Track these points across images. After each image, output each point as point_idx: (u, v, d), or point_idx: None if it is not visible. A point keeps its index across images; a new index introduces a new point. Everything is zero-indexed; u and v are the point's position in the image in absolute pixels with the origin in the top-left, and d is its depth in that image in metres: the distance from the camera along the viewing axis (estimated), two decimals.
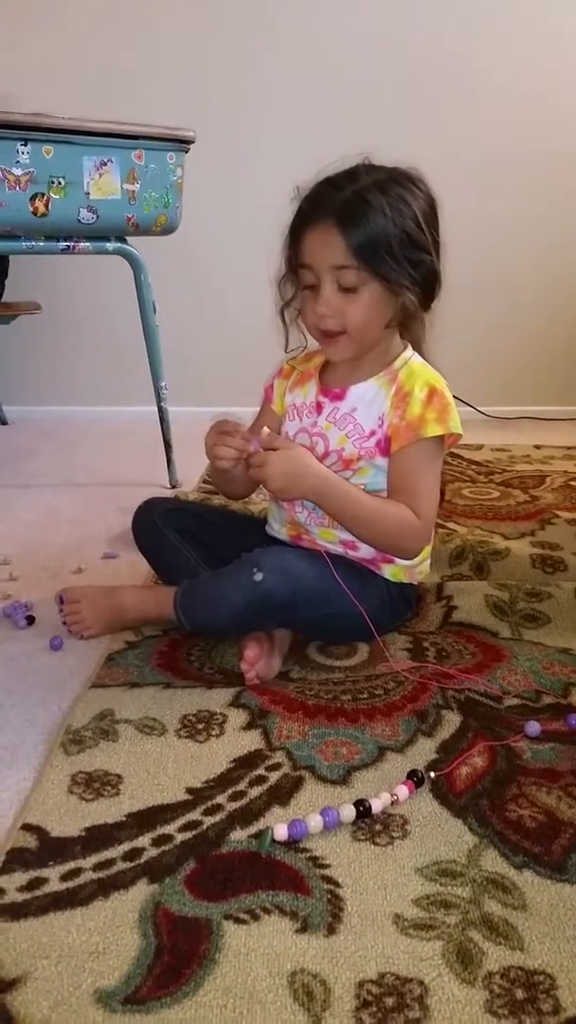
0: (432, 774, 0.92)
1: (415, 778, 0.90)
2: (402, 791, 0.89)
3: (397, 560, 1.19)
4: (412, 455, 1.12)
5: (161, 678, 1.13)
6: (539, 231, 2.54)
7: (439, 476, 1.16)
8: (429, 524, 1.15)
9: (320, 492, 1.10)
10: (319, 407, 1.18)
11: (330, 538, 1.19)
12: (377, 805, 0.86)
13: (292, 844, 0.82)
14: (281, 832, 0.82)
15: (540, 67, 2.41)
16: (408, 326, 1.15)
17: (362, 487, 1.15)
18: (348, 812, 0.85)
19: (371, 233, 1.03)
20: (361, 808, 0.85)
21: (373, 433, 1.14)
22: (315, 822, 0.83)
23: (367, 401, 1.14)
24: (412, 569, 1.22)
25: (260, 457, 1.08)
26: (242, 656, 1.11)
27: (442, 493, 1.22)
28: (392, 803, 0.87)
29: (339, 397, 1.17)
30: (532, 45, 2.40)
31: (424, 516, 1.12)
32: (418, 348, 1.17)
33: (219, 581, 1.13)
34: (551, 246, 2.56)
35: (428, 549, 1.23)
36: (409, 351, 1.16)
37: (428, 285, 1.09)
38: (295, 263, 1.10)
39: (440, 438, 1.12)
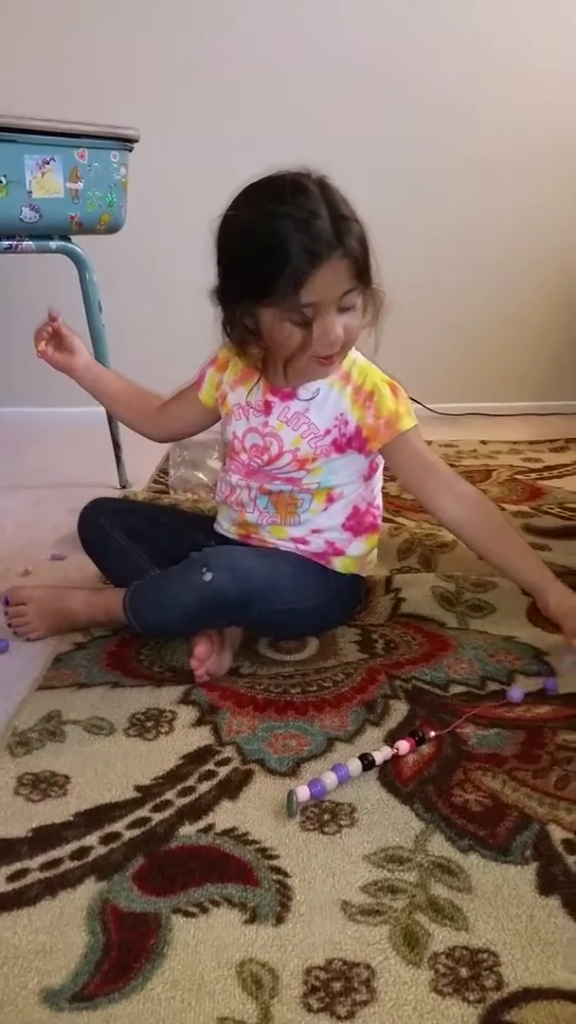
0: (432, 733, 0.96)
1: (416, 736, 0.95)
2: (403, 745, 0.94)
3: (347, 552, 1.20)
4: (403, 446, 1.15)
5: (110, 678, 1.12)
6: (487, 232, 2.58)
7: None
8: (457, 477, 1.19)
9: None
10: (268, 406, 1.18)
11: (281, 535, 1.20)
12: (379, 758, 0.92)
13: (314, 802, 0.87)
14: (304, 793, 0.86)
15: (494, 62, 2.45)
16: None
17: (316, 485, 1.16)
18: (356, 766, 0.90)
19: (362, 246, 1.03)
20: (365, 761, 0.91)
21: (328, 432, 1.14)
22: (331, 779, 0.88)
23: (320, 401, 1.15)
24: (362, 560, 1.23)
25: None
26: (192, 654, 1.11)
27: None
28: (394, 756, 0.93)
29: (290, 396, 1.16)
30: (471, 37, 2.44)
31: (462, 484, 1.18)
32: None
33: (168, 582, 1.12)
34: (499, 246, 2.59)
35: (375, 539, 1.24)
36: (354, 350, 1.17)
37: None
38: (292, 305, 1.01)
39: (415, 427, 1.15)
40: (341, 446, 1.15)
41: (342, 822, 0.84)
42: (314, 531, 1.19)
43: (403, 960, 0.68)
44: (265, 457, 1.17)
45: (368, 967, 0.67)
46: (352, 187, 1.06)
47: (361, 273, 1.04)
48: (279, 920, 0.72)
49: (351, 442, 1.15)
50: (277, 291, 1.00)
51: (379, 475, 1.23)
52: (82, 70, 2.40)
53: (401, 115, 2.48)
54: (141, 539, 1.26)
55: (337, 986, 0.66)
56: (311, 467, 1.15)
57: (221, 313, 1.10)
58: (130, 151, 1.86)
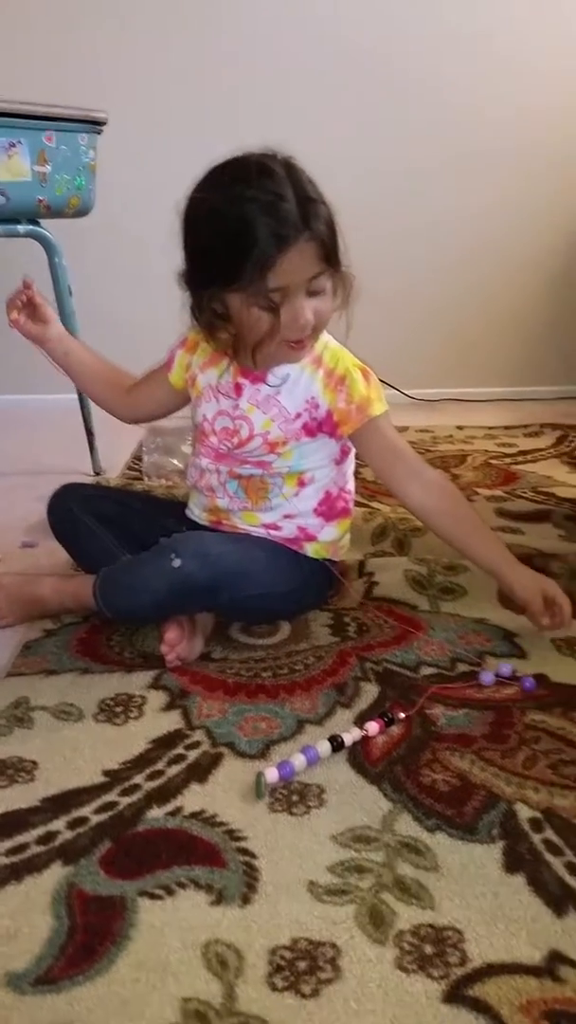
0: (401, 715, 0.97)
1: (386, 717, 0.95)
2: (372, 727, 0.94)
3: (319, 537, 1.20)
4: (374, 432, 1.14)
5: (80, 664, 1.11)
6: (462, 220, 2.57)
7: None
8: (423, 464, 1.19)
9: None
10: (238, 389, 1.17)
11: (253, 521, 1.19)
12: (349, 739, 0.92)
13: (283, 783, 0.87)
14: (272, 775, 0.85)
15: (457, 52, 2.44)
16: None
17: (287, 469, 1.15)
18: (325, 747, 0.90)
19: (330, 229, 1.02)
20: (335, 743, 0.91)
21: (299, 416, 1.14)
22: (299, 760, 0.88)
23: (291, 383, 1.14)
24: (334, 546, 1.23)
25: None
26: (162, 639, 1.10)
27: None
28: (363, 737, 0.93)
29: (260, 379, 1.15)
30: (466, 36, 2.43)
31: (430, 470, 1.17)
32: None
33: (138, 568, 1.12)
34: (473, 234, 2.59)
35: (348, 524, 1.24)
36: (326, 334, 1.16)
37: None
38: (259, 290, 1.00)
39: (385, 412, 1.14)
40: (312, 430, 1.14)
41: (310, 803, 0.84)
42: (286, 516, 1.18)
43: (368, 939, 0.68)
44: (235, 440, 1.16)
45: (333, 946, 0.68)
46: (328, 177, 1.05)
47: (329, 256, 1.03)
48: (245, 901, 0.72)
49: (322, 426, 1.14)
50: (244, 276, 0.99)
51: (351, 459, 1.23)
52: (79, 65, 2.37)
53: (376, 107, 2.46)
54: (112, 524, 1.25)
55: (302, 965, 0.66)
56: (281, 451, 1.15)
57: (189, 298, 1.09)
58: (99, 134, 1.83)
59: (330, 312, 1.08)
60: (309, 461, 1.17)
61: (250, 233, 0.97)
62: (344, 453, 1.20)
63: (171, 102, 2.43)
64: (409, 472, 1.16)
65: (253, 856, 0.77)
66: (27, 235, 1.80)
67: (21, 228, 1.78)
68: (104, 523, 1.25)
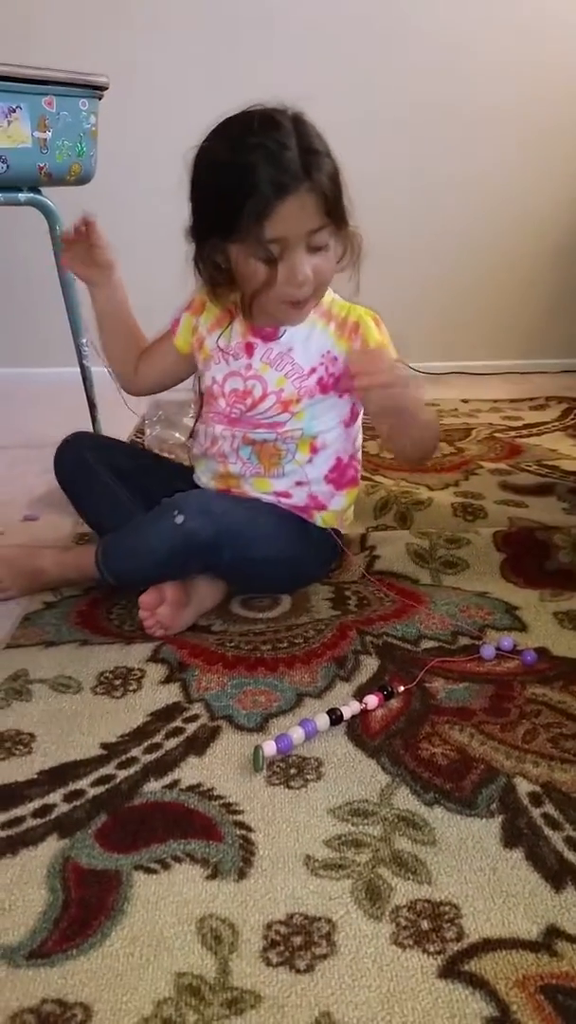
0: (401, 688, 0.96)
1: (385, 690, 0.94)
2: (371, 700, 0.93)
3: (329, 506, 1.18)
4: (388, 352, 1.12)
5: (79, 636, 1.11)
6: (472, 190, 2.53)
7: None
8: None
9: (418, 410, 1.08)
10: (249, 348, 1.14)
11: (265, 488, 1.18)
12: (347, 712, 0.91)
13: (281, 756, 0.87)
14: (270, 748, 0.85)
15: (464, 12, 2.38)
16: None
17: (300, 432, 1.14)
18: (323, 721, 0.89)
19: (333, 182, 1.00)
20: (333, 716, 0.90)
21: (313, 371, 1.12)
22: (298, 734, 0.87)
23: (303, 338, 1.12)
24: (342, 515, 1.22)
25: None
26: (140, 602, 1.08)
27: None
28: (362, 710, 0.92)
29: (272, 337, 1.13)
30: None
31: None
32: None
33: (140, 528, 1.10)
34: (481, 203, 2.55)
35: (355, 494, 1.22)
36: (331, 291, 1.13)
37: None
38: (258, 240, 0.98)
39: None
40: (327, 386, 1.13)
41: (308, 776, 0.84)
42: (298, 483, 1.17)
43: (364, 914, 0.68)
44: (248, 401, 1.14)
45: (329, 921, 0.67)
46: (333, 138, 1.03)
47: (331, 210, 1.00)
48: (241, 875, 0.72)
49: (339, 381, 1.12)
50: (242, 225, 0.97)
51: (359, 425, 1.21)
52: (79, 28, 2.32)
53: (386, 64, 2.41)
54: (126, 479, 1.23)
55: (297, 940, 0.65)
56: (294, 409, 1.13)
57: (193, 250, 1.07)
58: (100, 99, 1.80)
59: (331, 272, 1.06)
60: (320, 423, 1.15)
61: (249, 180, 0.96)
62: (354, 415, 1.18)
63: (172, 65, 2.38)
64: None
65: (250, 830, 0.77)
66: (28, 203, 1.77)
67: (22, 196, 1.75)
68: (119, 476, 1.23)
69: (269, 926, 0.67)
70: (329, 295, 1.13)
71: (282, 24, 2.36)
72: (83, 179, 1.82)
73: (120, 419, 2.08)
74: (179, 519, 1.06)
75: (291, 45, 2.37)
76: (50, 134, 1.71)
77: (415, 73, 2.42)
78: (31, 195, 1.77)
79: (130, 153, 2.33)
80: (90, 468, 1.23)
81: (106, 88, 1.79)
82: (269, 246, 0.99)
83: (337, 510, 1.20)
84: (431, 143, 2.48)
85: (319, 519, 1.19)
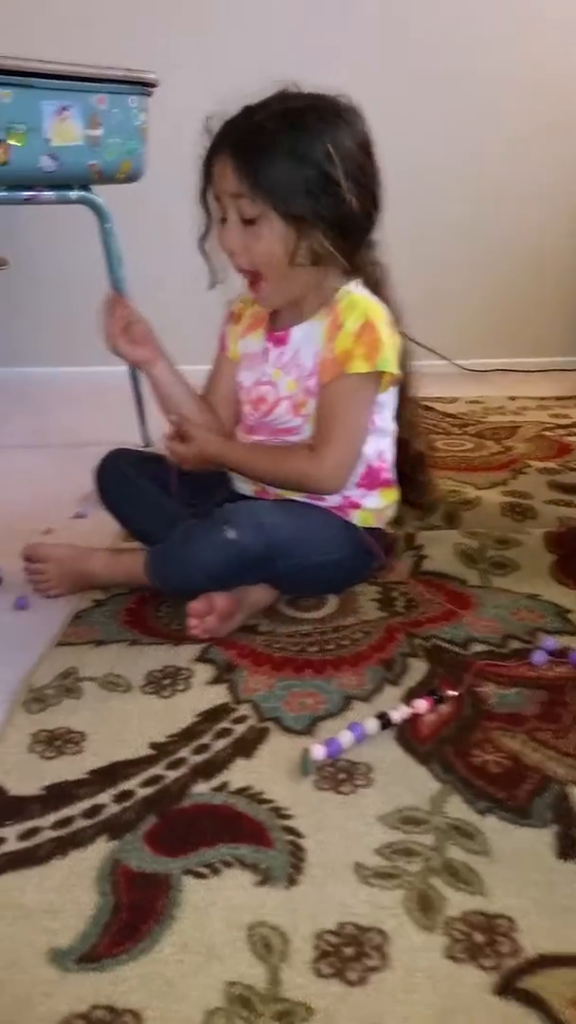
0: (451, 693, 0.94)
1: (435, 695, 0.93)
2: (421, 704, 0.92)
3: (363, 504, 1.17)
4: (333, 391, 1.08)
5: (128, 635, 1.11)
6: (517, 184, 2.48)
7: (363, 417, 1.11)
8: (336, 462, 1.10)
9: (221, 462, 1.16)
10: (266, 354, 1.15)
11: (294, 494, 1.17)
12: (397, 717, 0.89)
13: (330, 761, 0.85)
14: (319, 752, 0.84)
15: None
16: (341, 264, 1.09)
17: None
18: (372, 725, 0.88)
19: (266, 160, 1.00)
20: (383, 720, 0.88)
21: (312, 372, 1.11)
22: (347, 738, 0.86)
23: (305, 338, 1.11)
24: (380, 513, 1.20)
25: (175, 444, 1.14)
26: (188, 611, 1.08)
27: (420, 454, 1.21)
28: (411, 715, 0.90)
29: (282, 341, 1.14)
30: None
31: (329, 454, 1.09)
32: (376, 290, 1.13)
33: (189, 542, 1.10)
34: (526, 198, 2.50)
35: (393, 494, 1.20)
36: (353, 285, 1.11)
37: (343, 223, 1.03)
38: (205, 188, 1.07)
39: (367, 376, 1.07)
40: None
41: (358, 782, 0.83)
42: None
43: (417, 925, 0.67)
44: (263, 408, 1.14)
45: (380, 932, 0.66)
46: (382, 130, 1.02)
47: (259, 185, 1.00)
48: (291, 882, 0.71)
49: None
50: (202, 173, 1.07)
51: (385, 430, 1.17)
52: (89, 10, 2.33)
53: (406, 51, 2.38)
54: (166, 489, 1.23)
55: (348, 951, 0.64)
56: (304, 412, 1.12)
57: None
58: (150, 96, 1.80)
59: (264, 252, 1.05)
60: None
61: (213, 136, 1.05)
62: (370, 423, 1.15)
63: (216, 64, 2.37)
64: (316, 441, 1.10)
65: (299, 836, 0.76)
66: (79, 201, 1.78)
67: (73, 194, 1.76)
68: (163, 488, 1.23)
69: (320, 935, 0.66)
70: (347, 287, 1.10)
71: (331, 11, 2.34)
72: (133, 176, 1.83)
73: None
74: (231, 534, 1.05)
75: (336, 28, 2.35)
76: (101, 132, 1.72)
77: (445, 57, 2.38)
78: (82, 193, 1.78)
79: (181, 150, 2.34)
80: (131, 482, 1.24)
81: (156, 85, 1.79)
82: (208, 197, 1.06)
83: (373, 508, 1.18)
84: (480, 134, 2.44)
85: (356, 517, 1.17)
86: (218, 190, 1.05)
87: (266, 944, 0.65)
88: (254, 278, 1.09)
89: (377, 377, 1.09)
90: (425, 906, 0.68)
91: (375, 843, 0.75)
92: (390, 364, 1.07)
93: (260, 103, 1.03)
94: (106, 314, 1.16)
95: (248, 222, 1.03)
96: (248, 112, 1.03)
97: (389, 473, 1.20)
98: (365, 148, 1.04)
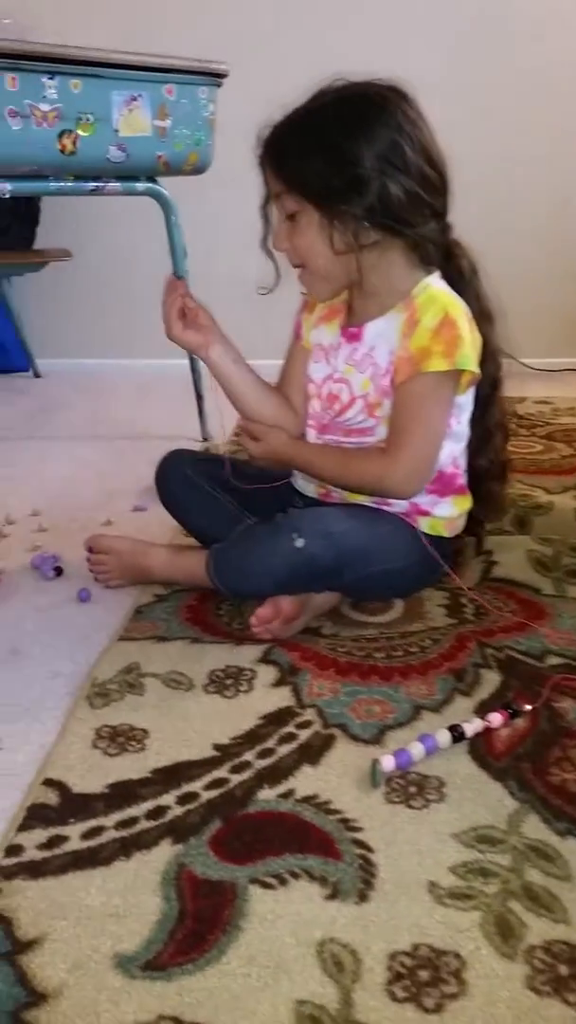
0: (527, 707, 0.90)
1: (510, 708, 0.89)
2: (495, 718, 0.88)
3: (433, 512, 1.13)
4: (409, 390, 1.04)
5: (190, 632, 1.09)
6: None
7: (440, 418, 1.07)
8: (414, 466, 1.06)
9: (290, 462, 1.15)
10: (339, 348, 1.13)
11: (360, 498, 1.13)
12: (470, 730, 0.86)
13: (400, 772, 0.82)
14: (389, 763, 0.81)
15: None
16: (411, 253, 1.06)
17: None
18: (444, 737, 0.85)
19: (295, 156, 1.01)
20: (455, 733, 0.85)
21: (388, 371, 1.07)
22: (417, 750, 0.83)
23: (381, 334, 1.08)
24: (452, 522, 1.16)
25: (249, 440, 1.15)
26: (255, 613, 1.06)
27: (503, 463, 1.18)
28: (485, 728, 0.87)
29: (356, 337, 1.10)
30: None
31: (405, 458, 1.05)
32: (462, 285, 1.09)
33: (255, 547, 1.08)
34: None
35: (467, 502, 1.16)
36: (432, 277, 1.07)
37: (385, 210, 1.00)
38: (268, 201, 1.08)
39: (446, 375, 1.03)
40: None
41: (429, 796, 0.79)
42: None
43: (496, 951, 0.63)
44: (336, 407, 1.11)
45: (457, 956, 0.63)
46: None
47: (290, 181, 1.02)
48: (362, 898, 0.68)
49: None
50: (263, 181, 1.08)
51: (461, 433, 1.13)
52: (188, 14, 2.33)
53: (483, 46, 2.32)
54: (230, 490, 1.22)
55: (424, 975, 0.61)
56: (379, 414, 1.08)
57: None
58: (219, 87, 1.78)
59: (303, 245, 1.05)
60: None
61: None
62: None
63: (285, 53, 2.35)
64: (391, 445, 1.07)
65: (369, 849, 0.73)
66: (145, 193, 1.77)
67: (140, 186, 1.75)
68: (222, 488, 1.22)
69: (393, 956, 0.63)
70: (426, 280, 1.06)
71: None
72: (200, 168, 1.81)
73: (226, 411, 2.07)
74: (299, 543, 1.03)
75: (402, 14, 2.30)
76: (169, 122, 1.71)
77: (521, 54, 2.32)
78: (149, 184, 1.77)
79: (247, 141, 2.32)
80: (191, 482, 1.22)
81: (225, 75, 1.77)
82: (269, 195, 1.07)
83: (444, 516, 1.14)
84: (564, 138, 2.38)
85: (424, 525, 1.13)
86: (270, 193, 1.07)
87: (337, 962, 0.63)
88: (302, 271, 1.09)
89: (456, 376, 1.05)
90: (504, 931, 0.65)
91: (449, 861, 0.72)
92: (470, 362, 1.03)
93: (306, 102, 1.03)
94: (165, 298, 1.16)
95: (290, 217, 1.05)
96: (285, 113, 1.04)
97: (463, 480, 1.15)
98: (408, 134, 1.00)
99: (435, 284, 1.06)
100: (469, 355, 1.03)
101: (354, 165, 0.99)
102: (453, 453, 1.13)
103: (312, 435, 1.16)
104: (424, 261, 1.07)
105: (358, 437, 1.11)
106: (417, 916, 0.66)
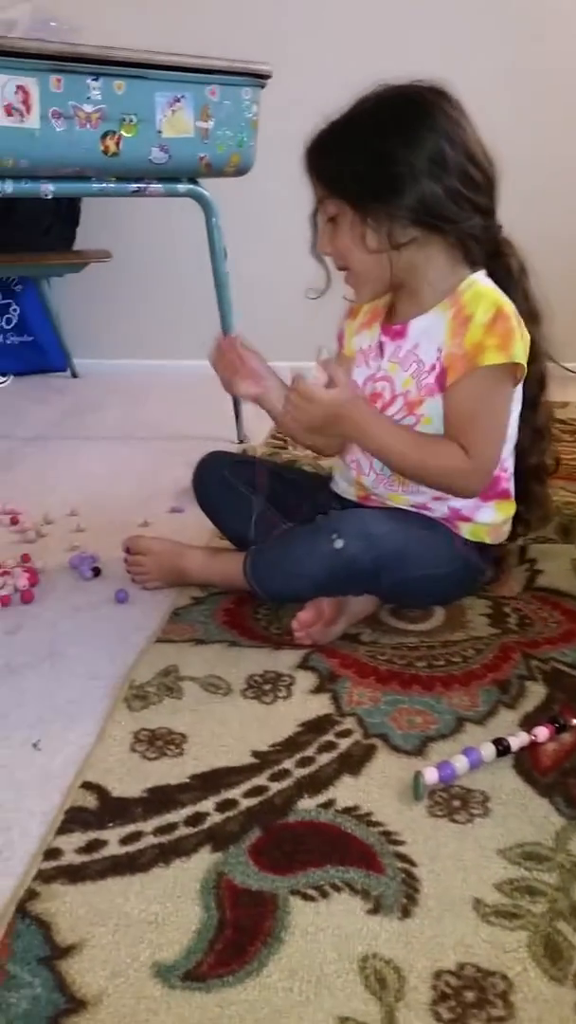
0: (574, 721, 0.88)
1: (557, 722, 0.87)
2: (541, 732, 0.86)
3: (475, 518, 1.11)
4: (468, 387, 1.02)
5: (227, 636, 1.08)
6: None
7: (503, 412, 1.06)
8: (486, 465, 1.06)
9: (354, 431, 1.07)
10: (381, 349, 1.11)
11: (400, 501, 1.12)
12: (515, 743, 0.84)
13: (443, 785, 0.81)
14: (432, 776, 0.80)
15: None
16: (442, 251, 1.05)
17: None
18: (488, 751, 0.83)
19: (333, 159, 1.03)
20: (500, 746, 0.83)
21: (433, 368, 1.05)
22: (461, 763, 0.81)
23: (425, 331, 1.06)
24: (495, 529, 1.14)
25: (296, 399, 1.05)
26: (296, 617, 1.04)
27: (544, 465, 1.16)
28: (531, 742, 0.85)
29: (400, 334, 1.09)
30: None
31: (479, 455, 1.04)
32: (509, 284, 1.06)
33: (293, 549, 1.07)
34: None
35: (511, 508, 1.14)
36: (478, 275, 1.05)
37: (425, 209, 0.99)
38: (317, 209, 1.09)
39: (502, 368, 1.02)
40: (443, 383, 1.05)
41: (474, 811, 0.78)
42: (436, 498, 1.10)
43: (544, 974, 0.61)
44: (378, 404, 1.09)
45: (504, 977, 0.61)
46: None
47: (331, 185, 1.03)
48: (405, 913, 0.67)
49: (441, 376, 1.05)
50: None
51: (508, 434, 1.10)
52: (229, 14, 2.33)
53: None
54: (264, 494, 1.21)
55: (470, 996, 0.60)
56: (420, 412, 1.06)
57: None
58: (262, 87, 1.77)
59: (342, 246, 1.05)
60: None
61: None
62: None
63: (325, 54, 2.33)
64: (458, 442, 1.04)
65: (412, 864, 0.72)
66: (187, 194, 1.77)
67: (182, 187, 1.75)
68: (254, 491, 1.21)
69: (438, 975, 0.61)
70: (472, 277, 1.05)
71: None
72: (242, 170, 1.81)
73: (264, 413, 2.07)
74: (338, 543, 1.02)
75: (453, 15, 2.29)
76: (212, 124, 1.71)
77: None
78: (190, 186, 1.77)
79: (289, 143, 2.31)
80: (228, 485, 1.22)
81: (269, 77, 1.76)
82: (317, 201, 1.07)
83: (486, 523, 1.12)
84: None
85: (465, 531, 1.11)
86: (316, 199, 1.07)
87: (380, 979, 0.61)
88: (347, 274, 1.09)
89: (512, 370, 1.03)
90: (553, 954, 0.63)
91: (494, 878, 0.70)
92: (521, 355, 1.02)
93: (343, 110, 1.04)
94: (216, 358, 1.16)
95: (331, 220, 1.05)
96: (326, 121, 1.05)
97: (508, 483, 1.13)
98: (447, 132, 1.00)
99: (481, 281, 1.05)
100: (521, 349, 1.02)
101: (389, 164, 0.99)
102: (501, 455, 1.11)
103: None
104: (467, 259, 1.06)
105: None
106: (462, 934, 0.65)
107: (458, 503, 1.10)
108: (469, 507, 1.11)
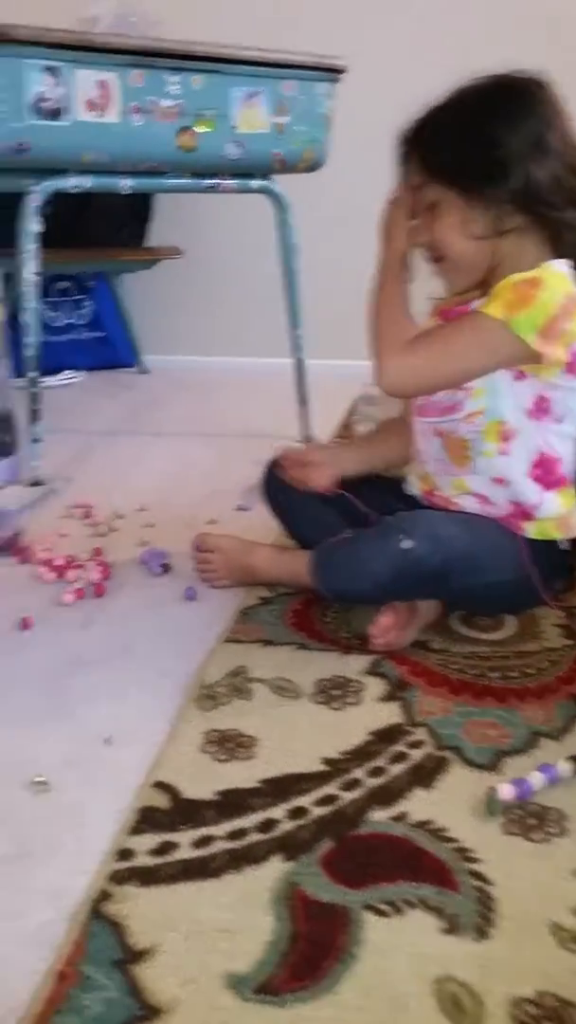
0: None
1: None
2: None
3: (538, 513, 1.07)
4: (457, 320, 1.05)
5: (296, 638, 1.08)
6: None
7: (467, 353, 1.01)
8: (409, 371, 1.05)
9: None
10: None
11: (461, 487, 1.09)
12: None
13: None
14: (507, 792, 0.78)
15: None
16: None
17: (481, 415, 1.04)
18: (565, 768, 0.81)
19: (436, 144, 1.02)
20: None
21: None
22: (537, 779, 0.80)
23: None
24: (564, 522, 1.08)
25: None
26: (374, 621, 1.04)
27: None
28: None
29: (455, 317, 1.07)
30: None
31: (410, 358, 1.04)
32: None
33: (360, 549, 1.05)
34: None
35: (571, 497, 1.09)
36: (560, 262, 1.01)
37: (525, 195, 0.98)
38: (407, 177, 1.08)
39: (496, 324, 0.97)
40: None
41: (550, 830, 0.76)
42: (495, 480, 1.06)
43: None
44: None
45: None
46: None
47: (433, 171, 1.02)
48: (481, 935, 0.65)
49: None
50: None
51: (562, 427, 1.05)
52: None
53: None
54: (332, 500, 1.20)
55: None
56: (468, 384, 1.04)
57: None
58: (337, 82, 1.76)
59: (448, 237, 1.02)
60: (504, 403, 1.03)
61: None
62: (540, 409, 1.04)
63: (399, 51, 2.30)
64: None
65: (487, 882, 0.70)
66: (259, 190, 1.77)
67: (254, 183, 1.75)
68: (324, 498, 1.20)
69: (516, 1003, 0.60)
70: (547, 264, 1.01)
71: None
72: (315, 166, 1.80)
73: (329, 411, 2.06)
74: (406, 544, 1.00)
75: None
76: (287, 119, 1.70)
77: None
78: (263, 183, 1.77)
79: (364, 139, 2.29)
80: (295, 491, 1.22)
81: (344, 71, 1.75)
82: (414, 187, 1.06)
83: (552, 516, 1.08)
84: None
85: (531, 531, 1.08)
86: (412, 188, 1.06)
87: (456, 1003, 0.60)
88: (439, 262, 1.07)
89: (510, 338, 0.97)
90: None
91: (573, 901, 0.68)
92: (528, 330, 0.96)
93: (440, 97, 1.03)
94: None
95: (430, 208, 1.04)
96: (426, 107, 1.03)
97: (565, 470, 1.07)
98: (549, 120, 1.00)
99: (558, 266, 1.01)
100: (534, 322, 0.96)
101: (496, 147, 0.98)
102: (548, 440, 1.05)
103: (416, 424, 1.13)
104: (557, 252, 1.03)
105: (449, 415, 1.07)
106: (541, 960, 0.63)
107: (519, 490, 1.06)
108: (532, 496, 1.06)
